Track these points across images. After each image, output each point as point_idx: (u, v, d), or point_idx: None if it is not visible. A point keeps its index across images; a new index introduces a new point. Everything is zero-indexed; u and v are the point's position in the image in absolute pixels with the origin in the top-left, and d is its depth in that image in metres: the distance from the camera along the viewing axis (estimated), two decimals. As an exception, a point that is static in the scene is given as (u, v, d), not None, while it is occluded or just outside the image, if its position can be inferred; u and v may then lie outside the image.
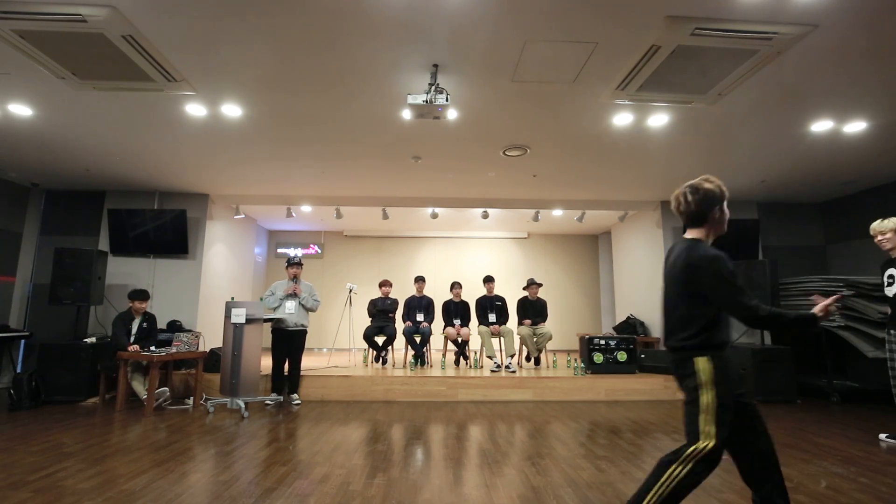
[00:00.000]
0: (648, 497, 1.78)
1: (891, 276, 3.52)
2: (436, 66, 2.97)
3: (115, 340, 4.60)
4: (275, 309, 4.81)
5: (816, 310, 1.70)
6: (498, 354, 5.80)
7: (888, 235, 3.53)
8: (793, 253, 6.17)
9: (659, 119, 3.78)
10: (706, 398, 1.77)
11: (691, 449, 1.77)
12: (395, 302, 6.22)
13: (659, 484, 1.76)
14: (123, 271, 5.77)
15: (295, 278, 4.94)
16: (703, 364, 1.79)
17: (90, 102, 3.53)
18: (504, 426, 3.94)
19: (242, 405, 4.27)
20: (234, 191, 6.02)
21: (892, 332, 3.47)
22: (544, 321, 6.02)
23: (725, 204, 1.87)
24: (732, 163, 4.78)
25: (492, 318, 5.99)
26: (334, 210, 6.69)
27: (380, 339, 5.90)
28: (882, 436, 3.53)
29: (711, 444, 1.74)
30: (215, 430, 3.76)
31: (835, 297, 1.76)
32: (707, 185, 1.84)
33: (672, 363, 1.89)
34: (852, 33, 2.61)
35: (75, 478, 2.66)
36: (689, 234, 1.90)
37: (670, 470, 1.77)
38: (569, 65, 2.97)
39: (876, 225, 3.60)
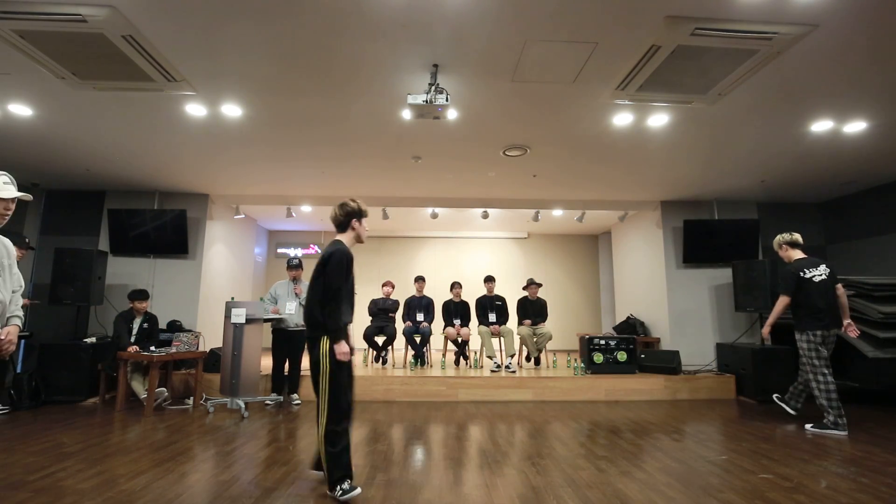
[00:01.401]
0: (330, 468, 2.39)
1: None
2: (436, 66, 2.97)
3: (118, 339, 4.60)
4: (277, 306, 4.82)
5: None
6: (498, 354, 5.80)
7: (779, 253, 4.07)
8: (793, 253, 6.15)
9: (659, 119, 3.78)
10: (324, 366, 2.41)
11: (324, 404, 2.40)
12: (396, 302, 6.23)
13: (327, 449, 2.39)
14: (123, 271, 5.77)
15: (295, 279, 4.96)
16: (325, 342, 2.43)
17: (90, 102, 3.52)
18: (504, 426, 3.95)
19: (242, 405, 4.27)
20: (234, 191, 6.02)
21: (798, 334, 3.89)
22: (544, 321, 6.02)
23: (364, 220, 2.61)
24: (732, 163, 4.78)
25: (492, 318, 6.00)
26: (334, 210, 6.68)
27: (380, 339, 5.91)
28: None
29: (328, 398, 2.38)
30: (215, 430, 3.76)
31: None
32: (351, 203, 2.58)
33: (308, 339, 2.51)
34: (853, 33, 2.61)
35: (75, 478, 2.66)
36: (337, 237, 2.59)
37: (327, 432, 2.38)
38: (569, 65, 2.97)
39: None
